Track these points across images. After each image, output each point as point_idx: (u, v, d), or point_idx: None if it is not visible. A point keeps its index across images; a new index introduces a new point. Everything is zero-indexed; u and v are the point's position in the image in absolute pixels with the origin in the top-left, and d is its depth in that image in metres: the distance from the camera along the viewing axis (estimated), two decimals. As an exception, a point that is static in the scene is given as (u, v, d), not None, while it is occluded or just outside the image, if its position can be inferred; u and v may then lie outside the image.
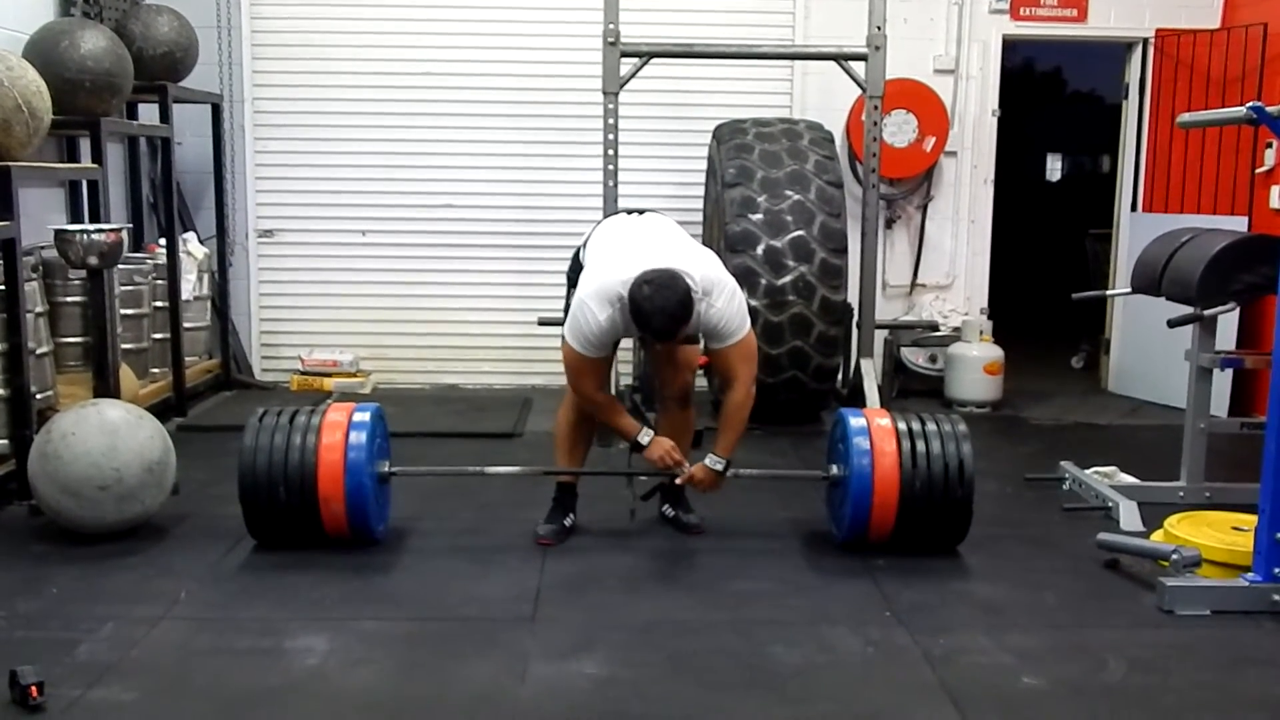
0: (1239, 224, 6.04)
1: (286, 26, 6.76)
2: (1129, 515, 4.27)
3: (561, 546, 4.01)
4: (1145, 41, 6.80)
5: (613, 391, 5.55)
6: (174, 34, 5.80)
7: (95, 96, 5.02)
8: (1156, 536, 3.91)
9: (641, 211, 4.09)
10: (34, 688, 2.73)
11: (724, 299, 3.70)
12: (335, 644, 3.16)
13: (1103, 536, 3.91)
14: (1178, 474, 4.59)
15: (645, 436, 3.89)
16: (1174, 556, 3.56)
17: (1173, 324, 4.33)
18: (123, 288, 5.32)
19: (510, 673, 3.00)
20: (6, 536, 4.03)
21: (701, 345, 3.97)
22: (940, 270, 7.05)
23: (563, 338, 3.83)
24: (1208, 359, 4.42)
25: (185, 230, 6.40)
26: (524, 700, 2.86)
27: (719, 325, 3.72)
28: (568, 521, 4.15)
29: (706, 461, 3.90)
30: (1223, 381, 5.80)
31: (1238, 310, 5.17)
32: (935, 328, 6.73)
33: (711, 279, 3.70)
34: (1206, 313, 4.30)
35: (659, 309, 3.52)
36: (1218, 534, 3.76)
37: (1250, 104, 3.51)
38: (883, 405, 5.39)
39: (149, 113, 6.07)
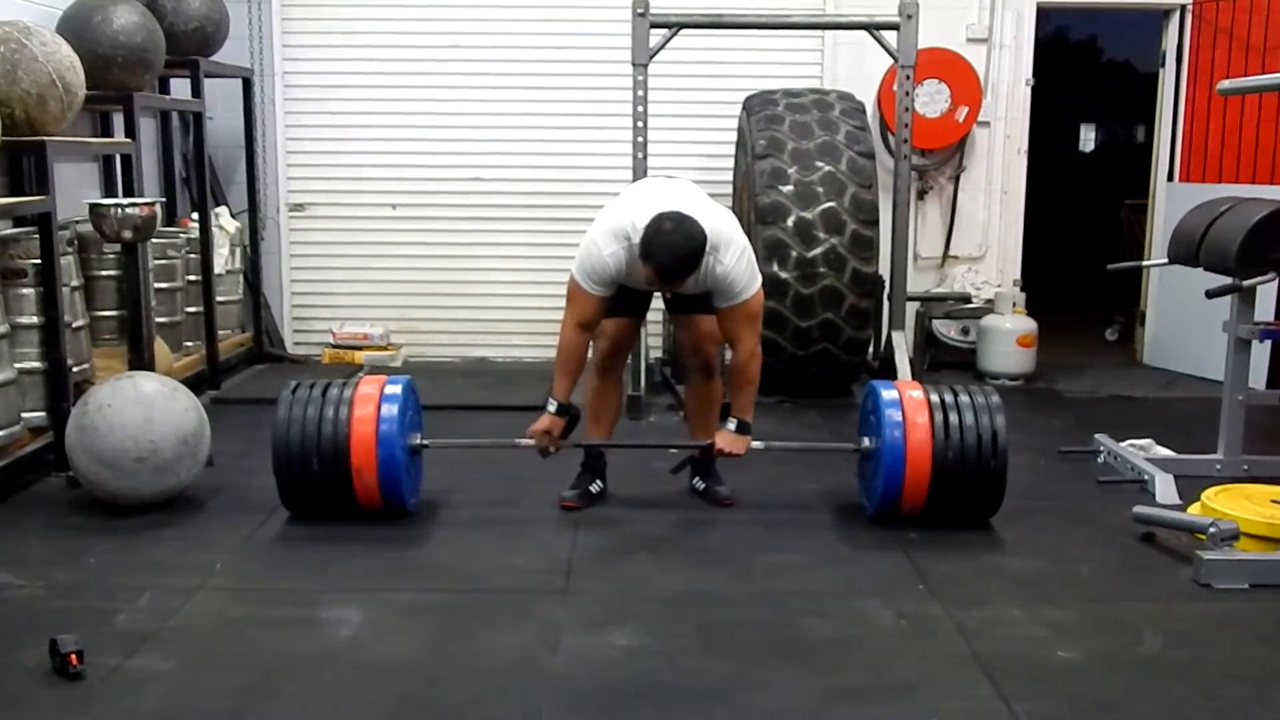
0: (1279, 193, 5.93)
1: (316, 0, 6.75)
2: (1165, 488, 4.23)
3: (593, 519, 4.02)
4: (1183, 8, 6.67)
5: (642, 366, 5.62)
6: (205, 8, 5.82)
7: (128, 72, 5.05)
8: (1193, 510, 3.87)
9: (671, 178, 4.09)
10: (74, 656, 2.76)
11: (732, 256, 3.70)
12: (368, 615, 3.19)
13: (1138, 510, 3.87)
14: (1215, 447, 4.54)
15: (551, 405, 3.87)
16: (1211, 530, 3.52)
17: (1211, 295, 4.28)
18: (156, 261, 5.35)
19: (542, 643, 3.02)
20: (45, 508, 4.09)
21: None
22: (973, 242, 6.97)
23: (571, 272, 3.83)
24: (1246, 330, 4.35)
25: (217, 204, 6.43)
26: (556, 670, 2.88)
27: (725, 282, 3.73)
28: (594, 488, 4.16)
29: (725, 426, 3.90)
30: (1261, 353, 5.72)
31: (1277, 281, 5.08)
32: (967, 300, 6.69)
33: (723, 234, 3.70)
34: (1245, 283, 4.24)
35: (671, 245, 3.54)
36: (1256, 507, 3.71)
37: (1294, 69, 3.44)
38: (914, 378, 5.35)
39: (181, 87, 6.09)
